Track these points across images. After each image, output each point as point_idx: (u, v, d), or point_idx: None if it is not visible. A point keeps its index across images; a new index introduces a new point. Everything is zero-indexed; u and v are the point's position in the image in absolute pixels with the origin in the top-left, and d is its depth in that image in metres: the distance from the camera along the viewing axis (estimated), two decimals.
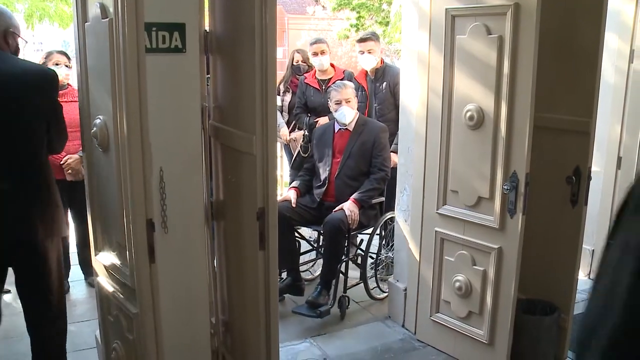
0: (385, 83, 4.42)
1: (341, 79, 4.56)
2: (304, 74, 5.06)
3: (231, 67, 2.61)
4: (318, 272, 4.52)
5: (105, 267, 2.57)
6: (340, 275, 3.89)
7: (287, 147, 5.27)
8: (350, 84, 4.11)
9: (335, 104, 3.97)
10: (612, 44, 4.03)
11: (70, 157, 3.89)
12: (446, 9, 3.05)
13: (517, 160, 2.83)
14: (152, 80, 2.22)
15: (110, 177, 2.32)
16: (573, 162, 3.08)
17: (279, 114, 5.12)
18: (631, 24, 4.05)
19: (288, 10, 28.63)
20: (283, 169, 5.77)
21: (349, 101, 3.94)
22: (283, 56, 22.93)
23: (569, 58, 3.07)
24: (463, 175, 3.12)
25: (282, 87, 5.25)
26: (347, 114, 3.93)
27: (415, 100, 3.40)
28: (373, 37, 4.56)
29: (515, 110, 2.81)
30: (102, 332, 2.78)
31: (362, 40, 4.53)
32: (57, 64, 3.99)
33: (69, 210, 4.19)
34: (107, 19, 2.13)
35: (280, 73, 5.33)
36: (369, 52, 4.44)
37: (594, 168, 3.16)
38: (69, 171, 3.91)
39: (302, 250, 4.23)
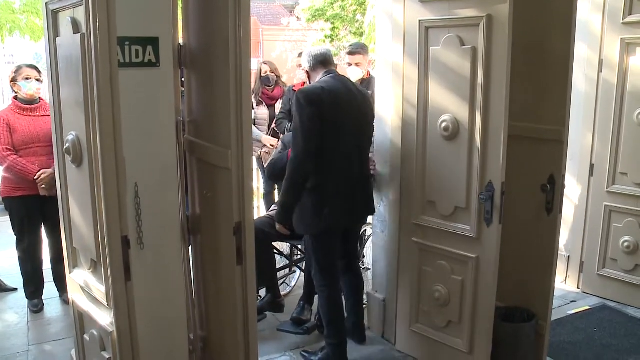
0: (369, 92, 4.45)
1: None
2: (294, 85, 5.08)
3: (206, 80, 2.59)
4: (294, 283, 4.49)
5: (79, 284, 2.52)
6: None
7: (260, 160, 5.25)
8: None
9: None
10: (582, 53, 4.10)
11: (44, 172, 3.84)
12: (420, 20, 3.07)
13: (493, 169, 2.84)
14: (125, 95, 2.20)
15: (84, 193, 2.28)
16: (547, 171, 3.11)
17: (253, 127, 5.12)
18: (599, 34, 4.12)
19: (263, 21, 28.65)
20: (259, 181, 5.75)
21: None
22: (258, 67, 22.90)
23: (541, 68, 3.11)
24: (439, 185, 3.12)
25: (254, 100, 5.23)
26: None
27: (390, 111, 3.41)
28: (362, 50, 4.60)
29: (490, 120, 2.83)
30: (78, 351, 2.72)
31: (350, 53, 4.59)
32: (27, 79, 3.92)
33: (42, 226, 4.13)
34: (79, 34, 2.11)
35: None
36: (357, 65, 4.50)
37: (567, 176, 3.20)
38: (43, 186, 3.84)
39: (278, 265, 4.17)
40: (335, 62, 3.41)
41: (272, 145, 5.04)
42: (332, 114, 3.04)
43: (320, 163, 3.05)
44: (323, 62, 3.23)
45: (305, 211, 3.15)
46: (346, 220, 3.29)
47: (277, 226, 3.32)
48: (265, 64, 5.37)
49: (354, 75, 4.49)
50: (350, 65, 4.54)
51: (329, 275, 3.29)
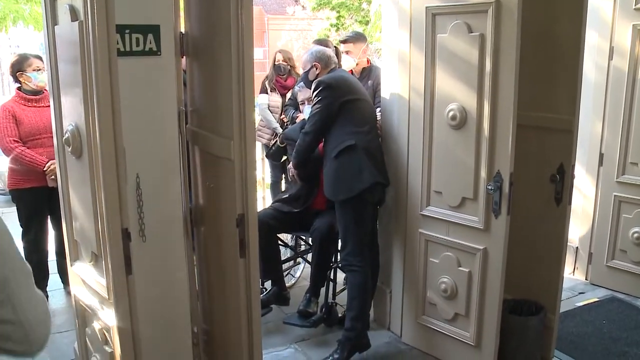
0: (370, 82, 4.39)
1: None
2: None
3: (208, 69, 2.54)
4: (298, 274, 4.46)
5: (81, 277, 2.48)
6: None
7: (267, 147, 5.22)
8: None
9: (301, 103, 3.91)
10: (592, 41, 4.01)
11: (53, 163, 3.79)
12: (427, 7, 3.00)
13: (501, 159, 2.79)
14: (126, 84, 2.15)
15: (84, 185, 2.23)
16: (557, 160, 3.06)
17: (268, 112, 5.09)
18: (610, 21, 4.04)
19: (268, 10, 28.51)
20: (265, 171, 5.71)
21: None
22: (263, 57, 22.74)
23: (550, 56, 3.05)
24: (446, 175, 3.07)
25: (267, 85, 5.19)
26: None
27: (396, 100, 3.35)
28: (351, 38, 4.50)
29: (498, 109, 2.77)
30: (80, 345, 2.69)
31: (342, 41, 4.52)
32: (37, 70, 3.86)
33: (48, 218, 4.10)
34: (77, 22, 2.05)
35: (263, 74, 5.29)
36: (347, 53, 4.42)
37: (576, 165, 3.14)
38: (52, 177, 3.81)
39: (282, 257, 4.12)
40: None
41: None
42: (345, 92, 3.30)
43: (350, 127, 3.24)
44: (335, 63, 3.55)
45: (344, 173, 3.23)
46: (376, 179, 3.29)
47: (292, 171, 3.65)
48: (280, 52, 5.30)
49: (346, 63, 4.42)
50: (342, 53, 4.48)
51: (365, 251, 3.32)
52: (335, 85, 3.29)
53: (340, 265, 3.63)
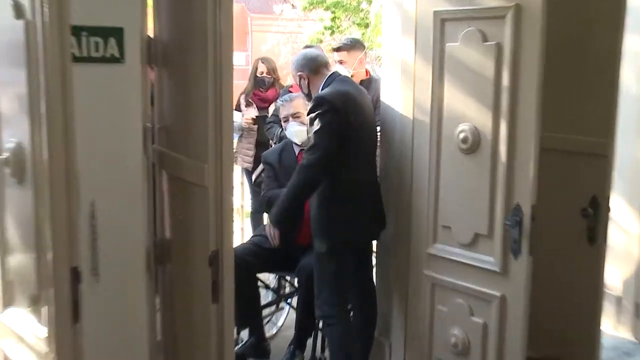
0: (369, 96, 4.45)
1: None
2: (291, 85, 5.11)
3: (180, 80, 2.57)
4: (281, 322, 4.44)
5: (12, 328, 2.45)
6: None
7: (249, 172, 5.24)
8: (299, 94, 3.99)
9: (284, 121, 3.94)
10: (633, 47, 3.97)
11: None
12: (434, 11, 3.05)
13: (521, 190, 2.81)
14: (82, 96, 2.16)
15: (25, 214, 2.23)
16: (589, 191, 3.08)
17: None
18: None
19: (252, 9, 28.73)
20: (244, 197, 5.72)
21: (298, 116, 3.88)
22: (246, 63, 22.88)
23: (581, 67, 3.10)
24: (456, 208, 3.09)
25: (242, 101, 5.23)
26: (295, 133, 3.87)
27: (398, 118, 3.39)
28: (345, 46, 4.58)
29: (518, 131, 2.80)
30: None
31: (335, 49, 4.61)
32: None
33: None
34: (23, 20, 2.07)
35: (244, 82, 5.33)
36: (340, 63, 4.48)
37: (614, 197, 3.15)
38: None
39: (263, 301, 4.11)
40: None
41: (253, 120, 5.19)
42: (351, 119, 3.24)
43: (342, 169, 3.23)
44: (326, 64, 3.47)
45: (328, 220, 3.30)
46: (370, 228, 3.46)
47: (270, 231, 3.47)
48: (263, 62, 5.35)
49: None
50: (335, 62, 4.54)
51: (342, 302, 3.37)
52: (340, 106, 3.19)
53: (316, 315, 3.57)
